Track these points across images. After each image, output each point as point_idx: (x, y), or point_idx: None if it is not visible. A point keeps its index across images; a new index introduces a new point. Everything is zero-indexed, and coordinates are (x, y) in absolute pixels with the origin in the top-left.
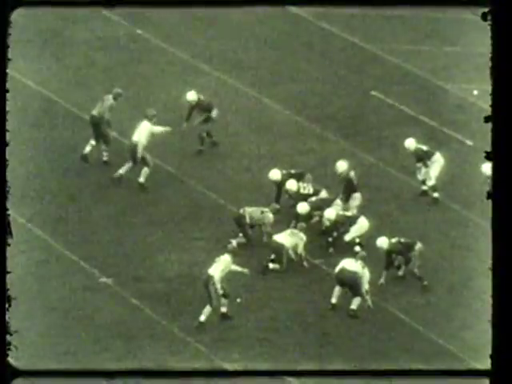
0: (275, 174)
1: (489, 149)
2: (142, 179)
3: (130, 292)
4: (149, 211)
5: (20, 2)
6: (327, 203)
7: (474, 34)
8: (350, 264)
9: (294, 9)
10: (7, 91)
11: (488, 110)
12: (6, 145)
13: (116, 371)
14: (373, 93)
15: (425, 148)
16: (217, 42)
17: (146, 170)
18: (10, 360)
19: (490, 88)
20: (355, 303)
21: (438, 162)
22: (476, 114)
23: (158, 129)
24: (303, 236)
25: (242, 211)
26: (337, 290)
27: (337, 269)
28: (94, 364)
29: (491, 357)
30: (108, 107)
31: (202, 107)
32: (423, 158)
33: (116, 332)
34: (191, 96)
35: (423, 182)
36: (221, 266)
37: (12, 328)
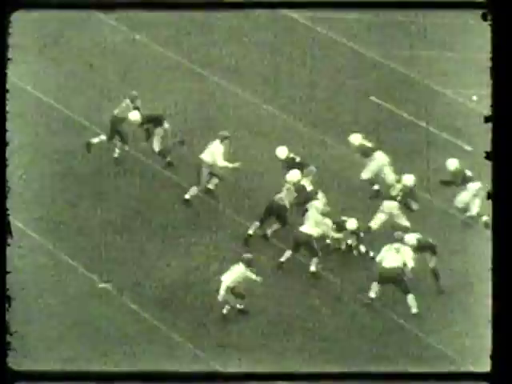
0: (282, 152)
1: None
2: (211, 186)
3: (130, 297)
4: (148, 217)
5: (19, 4)
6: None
7: (474, 39)
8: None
9: (292, 14)
10: (7, 91)
11: (488, 115)
12: (6, 145)
13: (116, 374)
14: (372, 98)
15: (369, 144)
16: (215, 47)
17: (215, 180)
18: (10, 363)
19: (489, 93)
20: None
21: (377, 160)
22: (475, 119)
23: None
24: (329, 221)
25: (277, 199)
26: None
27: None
28: (92, 369)
29: (491, 358)
30: (126, 109)
31: (151, 120)
32: (368, 153)
33: (115, 337)
34: (133, 116)
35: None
36: (233, 276)
37: (12, 329)
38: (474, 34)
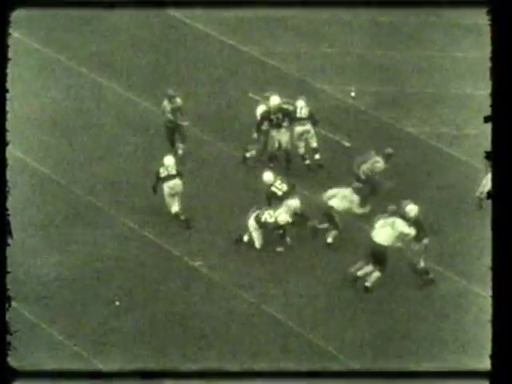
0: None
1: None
2: (329, 240)
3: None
4: (28, 213)
5: (20, 2)
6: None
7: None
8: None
9: (171, 11)
10: (7, 91)
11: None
12: (6, 144)
13: (116, 372)
14: (250, 94)
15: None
16: (93, 43)
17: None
18: (10, 361)
19: (368, 89)
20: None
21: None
22: (354, 114)
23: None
24: (356, 198)
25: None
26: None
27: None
28: None
29: (491, 357)
30: (168, 110)
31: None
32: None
33: None
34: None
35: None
36: None
37: (12, 329)
38: (352, 30)
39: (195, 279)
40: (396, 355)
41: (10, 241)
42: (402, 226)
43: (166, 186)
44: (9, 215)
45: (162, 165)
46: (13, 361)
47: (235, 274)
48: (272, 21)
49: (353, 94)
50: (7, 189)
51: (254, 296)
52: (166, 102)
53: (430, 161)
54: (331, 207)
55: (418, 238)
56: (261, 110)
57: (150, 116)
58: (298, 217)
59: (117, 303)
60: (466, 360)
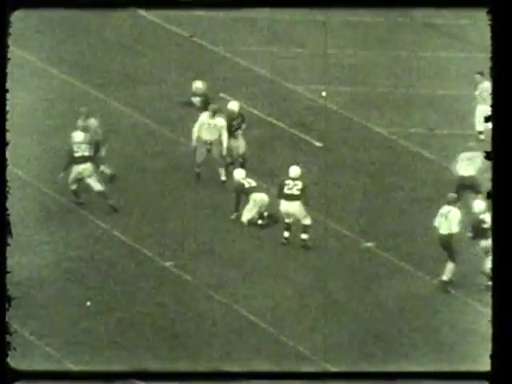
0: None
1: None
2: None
3: None
4: None
5: (20, 3)
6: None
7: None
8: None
9: (142, 12)
10: (7, 91)
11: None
12: (6, 144)
13: (116, 373)
14: (221, 95)
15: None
16: (65, 44)
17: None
18: (10, 362)
19: (339, 89)
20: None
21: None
22: (324, 115)
23: None
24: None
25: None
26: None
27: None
28: None
29: (491, 358)
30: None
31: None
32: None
33: None
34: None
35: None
36: None
37: (12, 329)
38: (323, 30)
39: (166, 280)
40: (370, 356)
41: (9, 241)
42: (455, 219)
43: (75, 170)
44: (9, 215)
45: (74, 142)
46: None
47: (207, 274)
48: (243, 21)
49: (323, 93)
50: (7, 189)
51: (226, 296)
52: (79, 121)
53: (401, 161)
54: (463, 176)
55: (475, 237)
56: (200, 120)
57: (121, 117)
58: (268, 218)
59: (88, 304)
60: (465, 360)
